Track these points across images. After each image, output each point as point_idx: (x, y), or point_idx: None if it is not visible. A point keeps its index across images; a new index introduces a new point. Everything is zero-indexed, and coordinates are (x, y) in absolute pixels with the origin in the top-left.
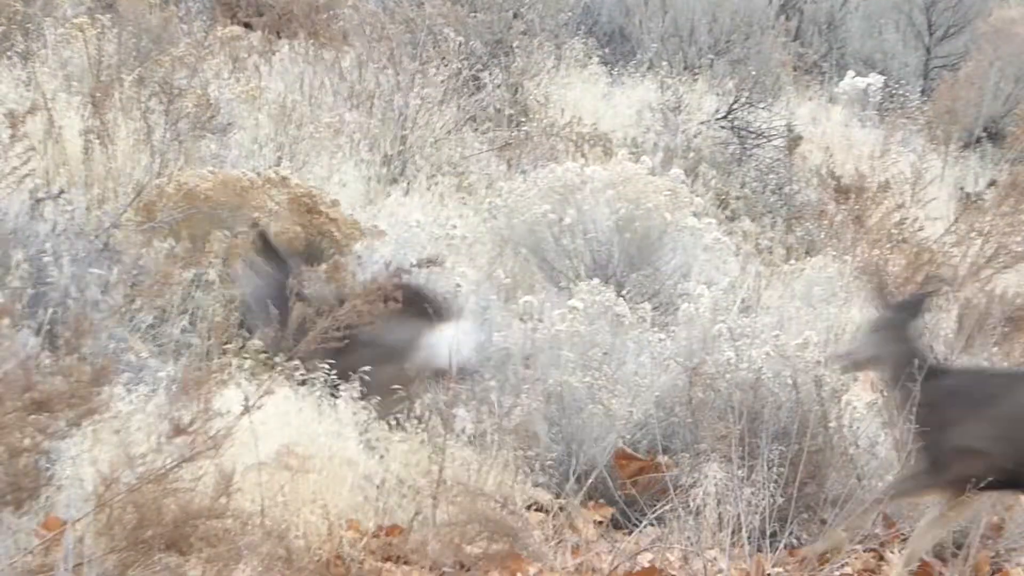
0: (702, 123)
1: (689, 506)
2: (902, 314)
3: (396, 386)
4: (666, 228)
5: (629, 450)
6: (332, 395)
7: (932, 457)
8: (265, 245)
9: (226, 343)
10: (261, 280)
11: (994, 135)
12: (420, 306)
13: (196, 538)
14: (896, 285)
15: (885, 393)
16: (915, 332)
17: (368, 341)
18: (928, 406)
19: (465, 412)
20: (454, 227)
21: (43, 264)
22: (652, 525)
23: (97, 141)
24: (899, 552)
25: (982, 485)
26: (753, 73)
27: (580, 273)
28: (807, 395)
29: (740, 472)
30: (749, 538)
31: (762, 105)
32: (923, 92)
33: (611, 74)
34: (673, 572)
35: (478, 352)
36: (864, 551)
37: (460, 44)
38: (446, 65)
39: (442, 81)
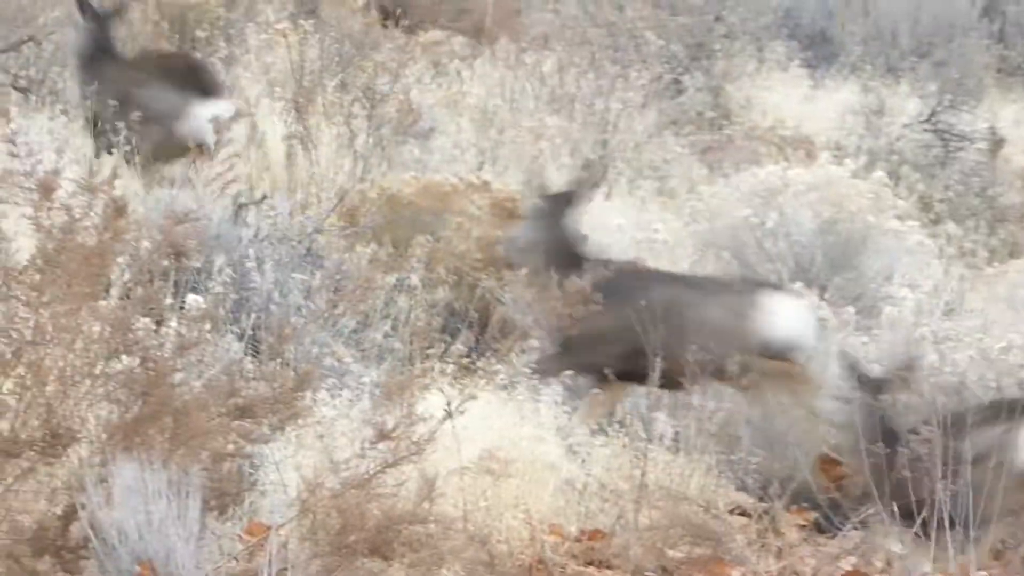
0: (905, 126)
1: (891, 510)
2: (558, 204)
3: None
4: (869, 231)
5: (833, 454)
6: (533, 398)
7: (566, 340)
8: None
9: (428, 348)
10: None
11: None
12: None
13: (399, 543)
14: None
15: (535, 281)
16: (570, 222)
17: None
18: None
19: (666, 416)
20: (656, 231)
21: (246, 270)
22: (856, 529)
23: (300, 146)
24: None
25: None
26: (955, 76)
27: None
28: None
29: (942, 478)
30: (952, 541)
31: (965, 108)
32: None
33: (813, 77)
34: None
35: None
36: None
37: (661, 47)
38: (647, 68)
39: (643, 85)
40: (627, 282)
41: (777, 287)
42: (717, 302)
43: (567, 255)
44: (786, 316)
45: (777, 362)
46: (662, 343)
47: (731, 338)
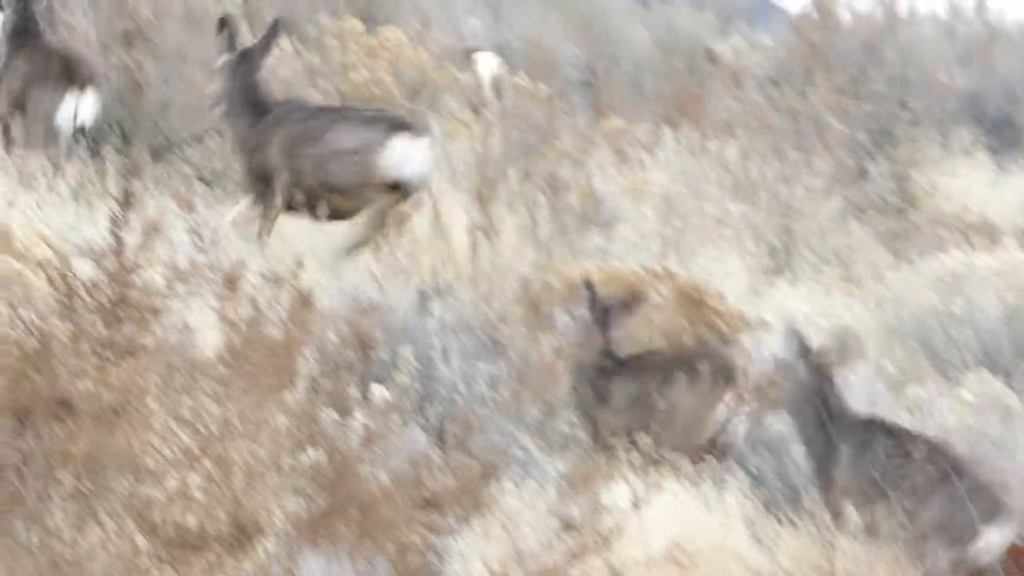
0: None
1: None
2: (247, 57)
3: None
4: None
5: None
6: (719, 488)
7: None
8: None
9: (612, 436)
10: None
11: None
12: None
13: None
14: None
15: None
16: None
17: None
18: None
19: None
20: (840, 318)
21: (431, 360)
22: None
23: (483, 236)
24: None
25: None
26: None
27: (968, 364)
28: None
29: None
30: None
31: None
32: None
33: (997, 162)
34: None
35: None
36: None
37: (845, 133)
38: (830, 155)
39: (827, 171)
40: (282, 113)
41: (406, 125)
42: (350, 132)
43: (253, 103)
44: (412, 156)
45: (393, 195)
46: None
47: (359, 167)
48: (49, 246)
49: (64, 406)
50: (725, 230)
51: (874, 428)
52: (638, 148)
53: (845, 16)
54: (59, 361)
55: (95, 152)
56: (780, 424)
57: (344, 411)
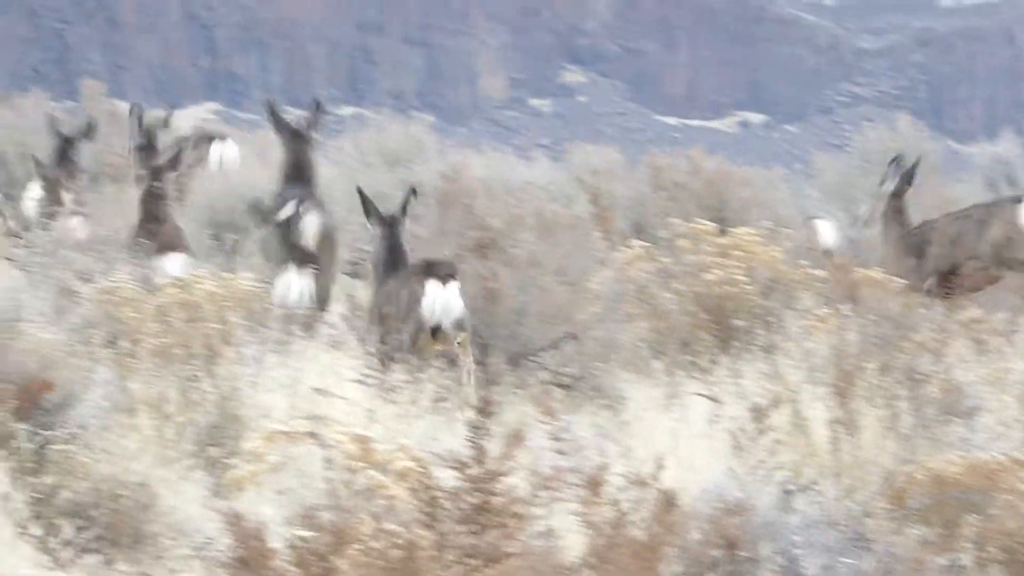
0: None
1: None
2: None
3: None
4: None
5: None
6: None
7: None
8: None
9: None
10: None
11: None
12: None
13: None
14: None
15: None
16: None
17: None
18: None
19: None
20: None
21: (795, 557)
22: None
23: (843, 430)
24: None
25: None
26: None
27: None
28: None
29: None
30: None
31: None
32: None
33: None
34: None
35: None
36: None
37: None
38: None
39: None
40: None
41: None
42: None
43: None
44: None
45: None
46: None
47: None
48: (411, 457)
49: None
50: None
51: None
52: (996, 337)
53: None
54: (425, 570)
55: (453, 362)
56: None
57: None
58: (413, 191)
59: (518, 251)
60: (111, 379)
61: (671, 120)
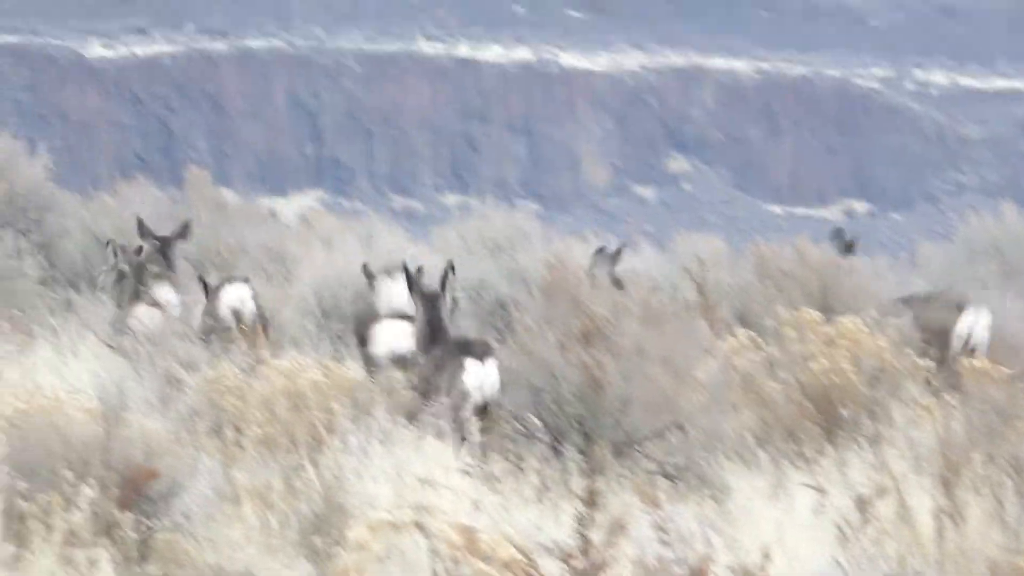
0: None
1: None
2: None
3: None
4: None
5: None
6: None
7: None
8: None
9: None
10: None
11: None
12: None
13: None
14: None
15: None
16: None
17: None
18: None
19: None
20: None
21: None
22: None
23: (948, 520)
24: None
25: None
26: None
27: None
28: None
29: None
30: None
31: None
32: None
33: None
34: None
35: None
36: None
37: None
38: None
39: None
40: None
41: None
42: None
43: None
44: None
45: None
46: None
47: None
48: (515, 547)
49: None
50: None
51: None
52: None
53: None
54: None
55: (557, 452)
56: None
57: None
58: (451, 267)
59: (623, 340)
60: (215, 468)
61: (776, 208)
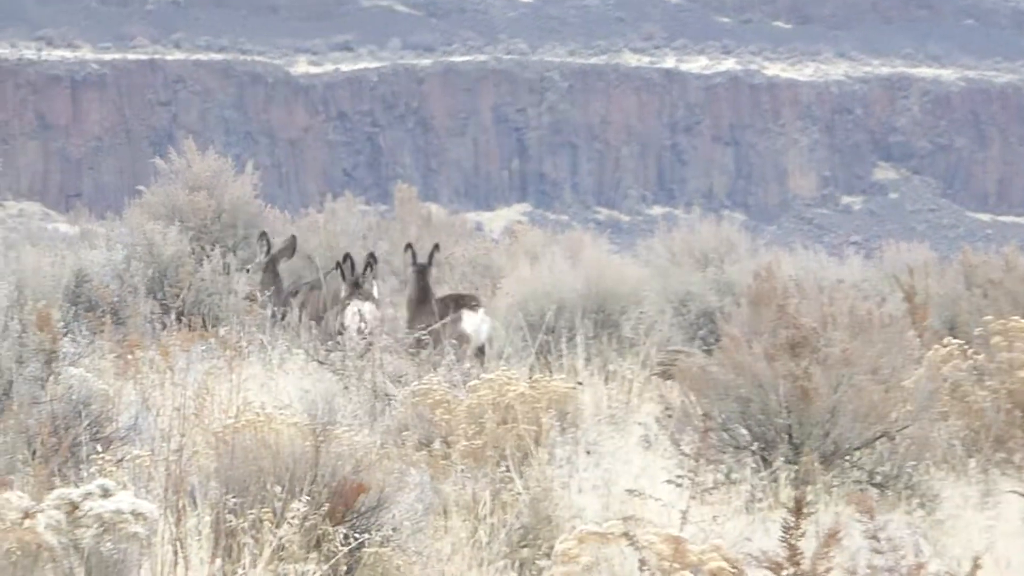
0: None
1: None
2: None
3: None
4: None
5: None
6: None
7: None
8: None
9: None
10: None
11: None
12: None
13: None
14: None
15: None
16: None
17: None
18: None
19: None
20: None
21: None
22: None
23: None
24: None
25: None
26: None
27: None
28: None
29: None
30: None
31: None
32: None
33: None
34: None
35: None
36: None
37: None
38: None
39: None
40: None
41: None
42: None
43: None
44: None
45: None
46: None
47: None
48: (725, 557)
49: None
50: None
51: None
52: None
53: None
54: None
55: (766, 462)
56: None
57: None
58: (436, 246)
59: (831, 350)
60: (424, 481)
61: (983, 216)
